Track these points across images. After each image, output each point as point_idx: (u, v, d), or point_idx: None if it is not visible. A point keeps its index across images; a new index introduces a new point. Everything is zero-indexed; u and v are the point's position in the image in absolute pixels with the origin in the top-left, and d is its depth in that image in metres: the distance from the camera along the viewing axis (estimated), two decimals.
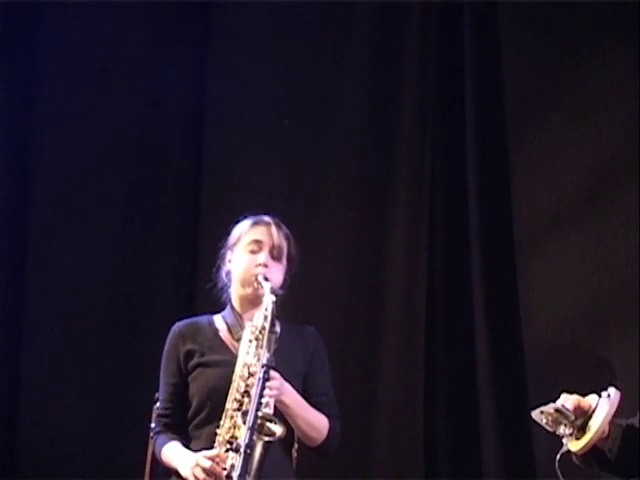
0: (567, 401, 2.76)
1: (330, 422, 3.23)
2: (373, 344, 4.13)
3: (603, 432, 2.72)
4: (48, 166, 4.36)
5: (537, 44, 3.95)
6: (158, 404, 3.30)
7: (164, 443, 3.20)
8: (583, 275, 3.76)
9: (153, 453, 3.28)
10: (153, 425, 3.30)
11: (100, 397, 4.19)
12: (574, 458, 2.80)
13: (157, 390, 3.31)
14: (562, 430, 2.76)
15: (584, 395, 2.79)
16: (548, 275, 3.83)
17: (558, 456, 2.76)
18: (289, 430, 3.09)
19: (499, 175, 3.98)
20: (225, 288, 3.36)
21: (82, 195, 4.34)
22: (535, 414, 2.78)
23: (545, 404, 2.77)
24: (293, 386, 3.13)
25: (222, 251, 3.37)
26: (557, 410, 2.75)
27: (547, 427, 2.78)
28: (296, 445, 3.29)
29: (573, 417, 2.74)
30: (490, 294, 3.94)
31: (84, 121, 4.35)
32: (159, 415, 3.28)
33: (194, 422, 3.19)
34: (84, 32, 4.37)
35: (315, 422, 3.20)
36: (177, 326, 3.33)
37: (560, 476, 2.75)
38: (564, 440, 2.77)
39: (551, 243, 3.85)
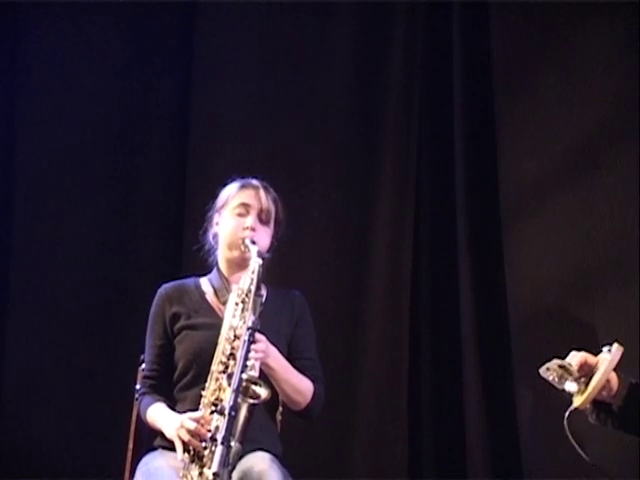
0: (574, 358, 2.78)
1: (314, 386, 3.24)
2: (358, 309, 4.14)
3: (604, 387, 2.74)
4: (33, 136, 4.34)
5: (527, 9, 3.93)
6: (144, 366, 3.31)
7: (149, 404, 3.20)
8: (568, 240, 3.78)
9: (138, 414, 3.28)
10: (138, 387, 3.30)
11: (86, 359, 4.19)
12: (589, 417, 2.83)
13: (143, 352, 3.31)
14: (567, 387, 2.78)
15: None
16: (533, 240, 3.84)
17: (567, 413, 2.77)
18: (274, 393, 3.10)
19: (486, 141, 3.98)
20: (212, 251, 3.36)
21: (68, 157, 4.32)
22: (542, 371, 2.79)
23: (548, 362, 2.79)
24: (278, 349, 3.13)
25: (209, 213, 3.37)
26: (561, 366, 2.77)
27: (554, 384, 2.79)
28: (281, 408, 3.30)
29: (577, 374, 2.76)
30: (476, 259, 3.96)
31: (68, 94, 4.36)
32: (144, 377, 3.28)
33: (180, 384, 3.19)
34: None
35: (299, 386, 3.20)
36: (164, 288, 3.33)
37: (568, 432, 2.76)
38: (573, 398, 2.79)
39: (537, 209, 3.86)
